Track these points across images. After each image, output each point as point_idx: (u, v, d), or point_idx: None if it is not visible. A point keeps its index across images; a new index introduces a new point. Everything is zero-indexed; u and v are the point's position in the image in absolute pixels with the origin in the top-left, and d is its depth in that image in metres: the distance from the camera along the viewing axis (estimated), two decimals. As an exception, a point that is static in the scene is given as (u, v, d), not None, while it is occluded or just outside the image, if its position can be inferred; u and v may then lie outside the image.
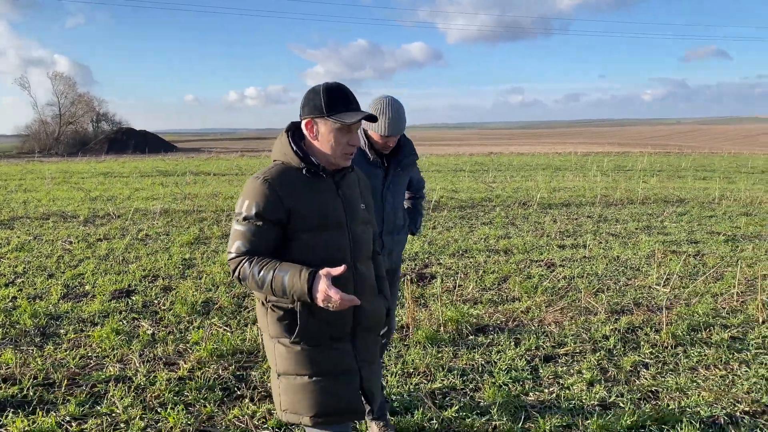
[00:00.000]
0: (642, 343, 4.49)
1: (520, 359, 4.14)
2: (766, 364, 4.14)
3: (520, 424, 3.29)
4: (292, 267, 1.92)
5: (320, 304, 1.88)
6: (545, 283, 5.99)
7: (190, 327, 4.72)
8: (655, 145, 54.81)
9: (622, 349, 4.38)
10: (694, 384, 3.84)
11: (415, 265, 6.72)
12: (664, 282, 6.03)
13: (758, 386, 3.80)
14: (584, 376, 3.90)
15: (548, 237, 8.32)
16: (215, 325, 4.76)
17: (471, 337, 4.56)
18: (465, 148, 43.92)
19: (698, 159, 27.34)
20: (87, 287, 5.78)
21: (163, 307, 5.19)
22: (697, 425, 3.29)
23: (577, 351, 4.33)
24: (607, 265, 6.80)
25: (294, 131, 2.13)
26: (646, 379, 3.91)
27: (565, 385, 3.78)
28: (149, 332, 4.58)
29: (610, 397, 3.64)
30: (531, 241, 8.01)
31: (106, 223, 9.25)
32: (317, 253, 2.03)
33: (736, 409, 3.52)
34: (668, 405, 3.54)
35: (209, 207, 10.78)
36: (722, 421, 3.38)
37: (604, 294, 5.66)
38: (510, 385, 3.76)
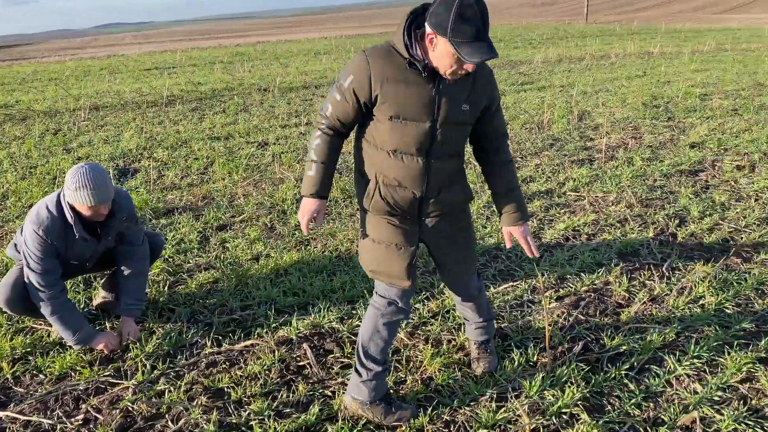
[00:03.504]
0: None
1: (194, 232, 4.38)
2: (530, 166, 4.92)
3: (167, 287, 3.56)
4: (319, 172, 2.18)
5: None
6: (250, 162, 6.26)
7: None
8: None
9: (295, 208, 4.86)
10: (345, 226, 4.46)
11: (122, 162, 6.46)
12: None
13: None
14: (250, 237, 4.29)
15: (276, 119, 8.56)
16: None
17: (153, 221, 4.66)
18: (248, 38, 41.46)
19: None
20: None
21: None
22: (329, 258, 3.89)
23: (254, 217, 4.70)
24: (318, 138, 7.28)
25: (415, 17, 2.01)
26: (306, 229, 4.43)
27: (229, 248, 4.13)
28: None
29: (265, 250, 4.08)
30: (257, 125, 8.18)
31: None
32: (391, 140, 2.10)
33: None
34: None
35: None
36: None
37: (301, 164, 6.13)
38: (174, 257, 3.99)
